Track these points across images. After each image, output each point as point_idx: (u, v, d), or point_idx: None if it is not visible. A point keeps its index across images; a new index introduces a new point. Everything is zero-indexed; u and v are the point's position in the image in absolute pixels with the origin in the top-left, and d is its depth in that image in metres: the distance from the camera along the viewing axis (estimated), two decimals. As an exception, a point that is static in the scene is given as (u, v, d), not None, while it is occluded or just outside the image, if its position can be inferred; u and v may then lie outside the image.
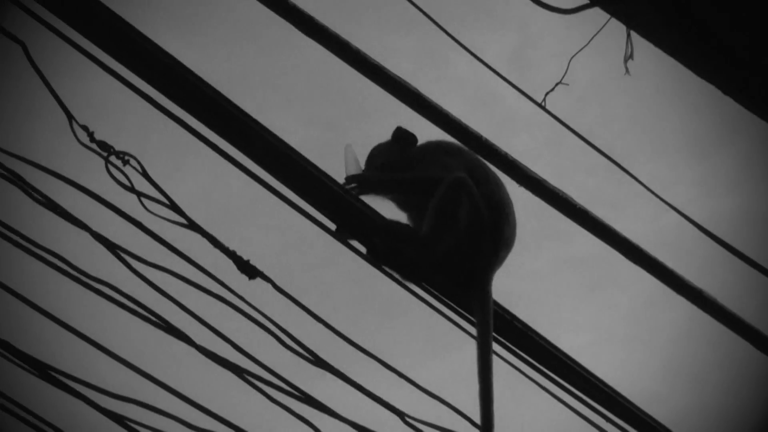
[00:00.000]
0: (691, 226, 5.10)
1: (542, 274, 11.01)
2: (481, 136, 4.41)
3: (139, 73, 4.30)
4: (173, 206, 4.38)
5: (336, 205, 4.77)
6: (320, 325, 4.52)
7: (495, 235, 5.60)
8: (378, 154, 5.93)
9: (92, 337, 4.06)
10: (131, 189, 4.36)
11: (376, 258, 5.12)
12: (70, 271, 4.12)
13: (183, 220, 4.38)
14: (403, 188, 5.66)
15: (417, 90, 4.29)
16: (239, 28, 10.11)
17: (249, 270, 4.45)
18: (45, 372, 4.02)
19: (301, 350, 4.44)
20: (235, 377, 4.31)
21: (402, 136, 5.95)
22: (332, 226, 4.77)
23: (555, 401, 5.01)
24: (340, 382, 4.54)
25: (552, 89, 5.13)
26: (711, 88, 4.55)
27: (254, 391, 4.34)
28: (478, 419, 5.15)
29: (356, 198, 4.92)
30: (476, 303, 5.27)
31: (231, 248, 4.46)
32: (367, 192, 5.65)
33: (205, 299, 4.32)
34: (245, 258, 4.47)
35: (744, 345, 5.01)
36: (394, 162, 5.86)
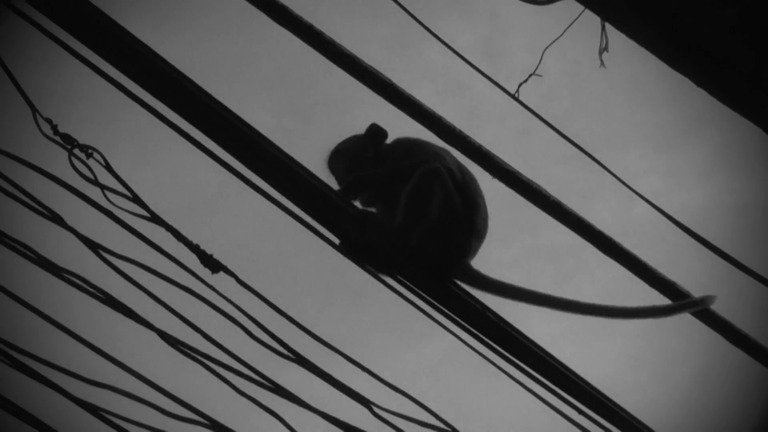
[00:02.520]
0: (661, 216, 5.11)
1: (514, 263, 11.02)
2: (455, 128, 4.40)
3: (111, 62, 4.26)
4: (136, 199, 4.35)
5: (307, 194, 4.74)
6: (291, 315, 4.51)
7: (467, 224, 5.60)
8: (348, 147, 5.89)
9: (64, 324, 4.04)
10: (95, 182, 4.33)
11: (349, 249, 5.10)
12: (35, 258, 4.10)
13: (146, 213, 4.36)
14: (395, 177, 5.60)
15: (391, 81, 4.27)
16: (211, 16, 10.06)
17: (212, 264, 4.42)
18: (18, 361, 4.00)
19: (271, 341, 4.42)
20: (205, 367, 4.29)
21: (375, 133, 5.91)
22: (301, 214, 4.73)
23: (527, 392, 5.01)
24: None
25: (525, 80, 5.13)
26: (685, 80, 4.55)
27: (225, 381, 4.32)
28: (446, 412, 5.15)
29: (329, 188, 4.88)
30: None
31: (195, 242, 4.43)
32: (361, 192, 5.62)
33: (173, 289, 4.29)
34: (209, 252, 4.43)
35: (715, 336, 5.02)
36: (367, 158, 5.83)
